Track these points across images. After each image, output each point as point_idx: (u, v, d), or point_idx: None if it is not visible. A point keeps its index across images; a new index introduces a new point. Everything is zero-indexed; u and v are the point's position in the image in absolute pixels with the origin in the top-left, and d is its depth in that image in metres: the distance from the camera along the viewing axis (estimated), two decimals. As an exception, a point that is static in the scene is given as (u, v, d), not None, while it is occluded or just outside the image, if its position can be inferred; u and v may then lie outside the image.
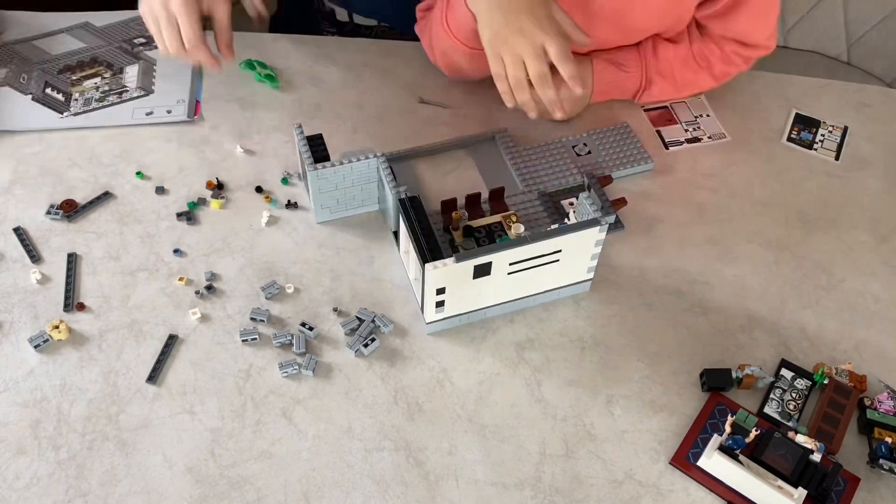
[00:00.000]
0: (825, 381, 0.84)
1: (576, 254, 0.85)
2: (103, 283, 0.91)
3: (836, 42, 1.55)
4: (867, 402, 0.83)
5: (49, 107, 1.08)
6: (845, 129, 1.11)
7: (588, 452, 0.80)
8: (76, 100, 1.09)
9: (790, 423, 0.82)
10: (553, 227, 0.83)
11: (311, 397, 0.83)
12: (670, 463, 0.80)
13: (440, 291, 0.82)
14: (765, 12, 1.05)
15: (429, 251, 0.82)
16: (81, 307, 0.88)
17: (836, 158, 1.08)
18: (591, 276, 0.89)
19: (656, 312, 0.91)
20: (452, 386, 0.84)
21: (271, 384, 0.84)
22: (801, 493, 0.73)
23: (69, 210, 0.96)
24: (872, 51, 1.52)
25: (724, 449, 0.76)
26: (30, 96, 1.08)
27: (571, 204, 0.98)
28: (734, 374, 0.84)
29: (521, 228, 0.92)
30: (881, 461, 0.79)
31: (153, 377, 0.83)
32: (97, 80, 1.12)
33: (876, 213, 1.03)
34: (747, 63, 1.11)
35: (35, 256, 0.92)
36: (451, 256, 0.79)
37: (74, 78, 1.12)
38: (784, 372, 0.86)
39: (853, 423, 0.83)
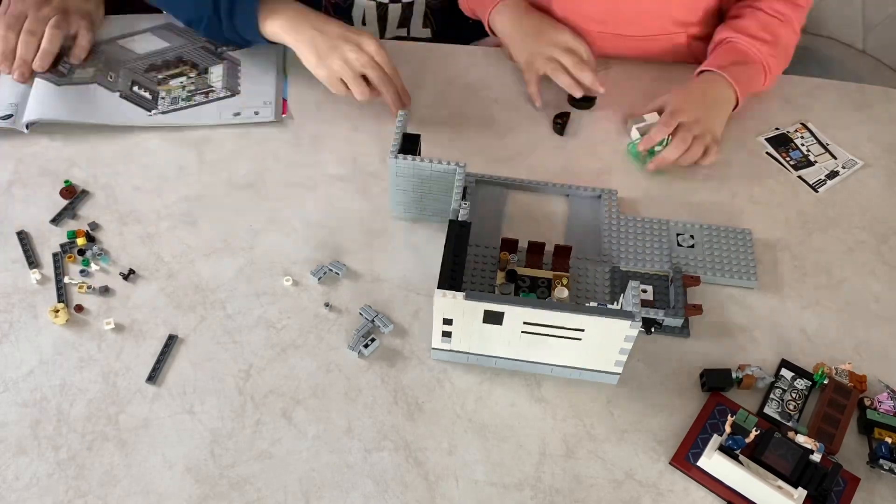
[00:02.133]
0: (825, 381, 0.84)
1: (602, 341, 0.78)
2: (103, 282, 0.91)
3: (852, 29, 1.54)
4: (867, 403, 0.83)
5: (137, 104, 1.08)
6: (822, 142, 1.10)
7: (588, 452, 0.80)
8: (163, 98, 1.09)
9: (790, 423, 0.82)
10: (592, 304, 0.78)
11: (311, 397, 0.83)
12: (670, 463, 0.80)
13: (447, 322, 0.80)
14: None
15: (451, 279, 0.79)
16: (80, 309, 0.88)
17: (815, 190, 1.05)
18: (619, 370, 0.82)
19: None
20: (452, 386, 0.84)
21: (271, 384, 0.84)
22: (801, 493, 0.73)
23: (70, 197, 0.98)
24: (887, 41, 1.51)
25: (724, 449, 0.76)
26: (118, 93, 1.09)
27: (644, 291, 0.91)
28: (734, 375, 0.84)
29: (565, 293, 0.88)
30: (881, 461, 0.79)
31: (153, 377, 0.83)
32: (183, 79, 1.12)
33: (876, 213, 1.03)
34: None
35: (34, 263, 0.92)
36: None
37: (160, 77, 1.12)
38: (784, 372, 0.86)
39: (853, 424, 0.83)
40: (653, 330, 0.89)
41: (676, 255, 0.95)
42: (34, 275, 0.90)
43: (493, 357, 0.84)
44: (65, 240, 0.94)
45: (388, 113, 1.06)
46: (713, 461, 0.76)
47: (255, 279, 0.92)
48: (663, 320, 0.88)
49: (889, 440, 0.80)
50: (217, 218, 0.98)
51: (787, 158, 1.07)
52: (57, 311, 0.86)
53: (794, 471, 0.75)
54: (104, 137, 1.05)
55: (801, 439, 0.77)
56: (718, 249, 0.96)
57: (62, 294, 0.89)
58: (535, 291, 0.89)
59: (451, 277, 0.80)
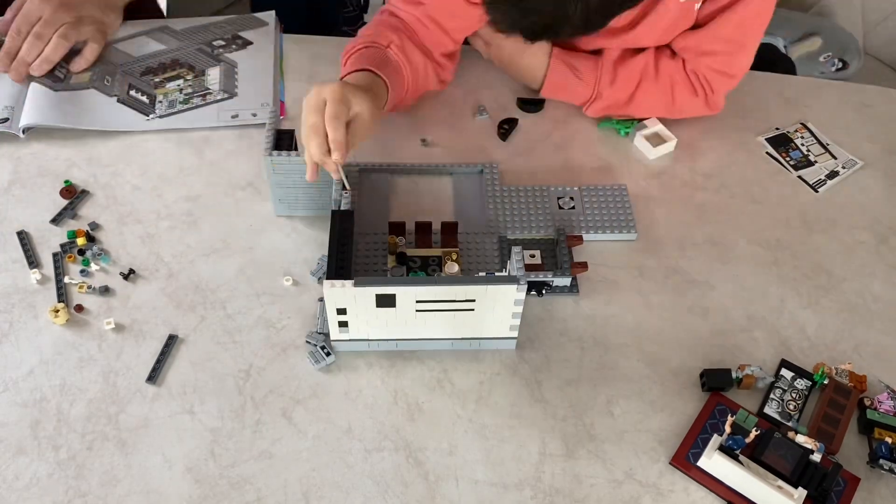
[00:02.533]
0: (825, 381, 0.84)
1: (494, 308, 0.80)
2: (103, 282, 0.91)
3: (853, 28, 1.54)
4: (867, 403, 0.83)
5: (134, 108, 1.08)
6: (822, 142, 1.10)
7: (588, 452, 0.80)
8: (160, 102, 1.08)
9: (790, 424, 0.82)
10: (480, 275, 0.79)
11: (311, 397, 0.83)
12: (670, 463, 0.80)
13: (341, 311, 0.79)
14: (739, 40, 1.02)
15: (338, 269, 0.79)
16: (80, 309, 0.88)
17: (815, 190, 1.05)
18: (514, 334, 0.84)
19: (656, 312, 0.91)
20: (452, 386, 0.84)
21: (271, 384, 0.84)
22: (801, 493, 0.73)
23: (70, 197, 0.98)
24: (887, 41, 1.51)
25: (724, 449, 0.76)
26: (115, 98, 1.08)
27: (532, 256, 0.93)
28: (734, 374, 0.84)
29: (455, 268, 0.89)
30: (881, 461, 0.79)
31: (153, 377, 0.83)
32: (180, 81, 1.11)
33: (876, 213, 1.03)
34: (708, 91, 1.06)
35: (34, 262, 0.92)
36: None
37: (157, 80, 1.11)
38: (784, 372, 0.86)
39: (853, 424, 0.83)
40: (544, 292, 0.91)
41: (560, 218, 0.98)
42: (34, 275, 0.90)
43: (393, 340, 0.84)
44: (65, 240, 0.94)
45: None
46: (713, 461, 0.76)
47: (255, 279, 0.92)
48: (552, 281, 0.90)
49: (889, 440, 0.80)
50: (217, 218, 0.98)
51: (787, 158, 1.07)
52: (57, 310, 0.86)
53: (794, 471, 0.75)
54: (104, 138, 1.05)
55: (801, 439, 0.77)
56: (598, 207, 0.99)
57: (62, 294, 0.89)
58: (425, 270, 0.90)
59: (340, 267, 0.80)
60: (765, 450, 0.77)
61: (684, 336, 0.89)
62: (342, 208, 0.85)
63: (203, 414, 0.81)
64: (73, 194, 0.98)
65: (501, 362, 0.86)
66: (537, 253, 0.94)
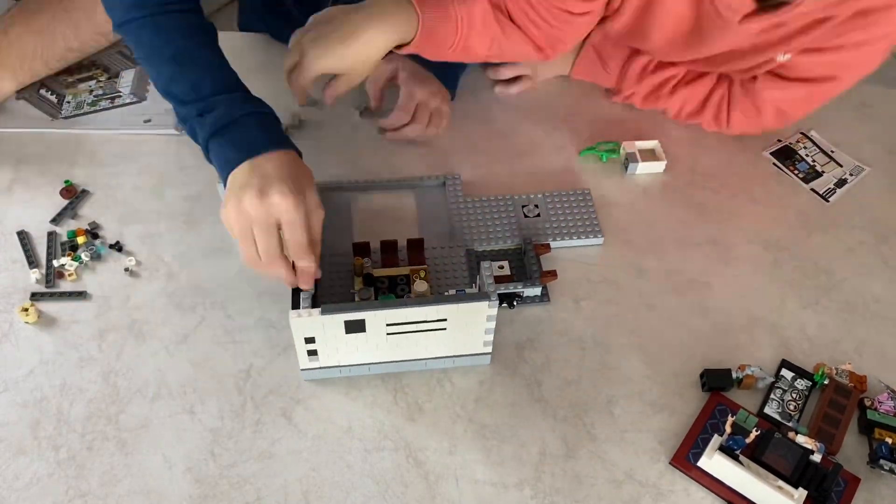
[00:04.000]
0: (825, 382, 0.84)
1: (467, 325, 0.79)
2: (103, 282, 0.91)
3: None
4: (867, 403, 0.83)
5: (41, 109, 1.07)
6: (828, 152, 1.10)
7: (588, 452, 0.80)
8: (68, 102, 1.08)
9: (790, 424, 0.82)
10: (450, 293, 0.77)
11: (311, 397, 0.83)
12: (670, 463, 0.80)
13: (309, 341, 0.78)
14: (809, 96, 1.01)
15: (306, 297, 0.77)
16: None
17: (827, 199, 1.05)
18: (488, 349, 0.83)
19: (656, 312, 0.91)
20: (452, 386, 0.84)
21: (271, 384, 0.83)
22: (802, 493, 0.73)
23: (70, 197, 0.98)
24: None
25: (725, 449, 0.76)
26: (23, 99, 1.08)
27: (501, 267, 0.93)
28: (734, 375, 0.84)
29: (424, 286, 0.85)
30: (881, 461, 0.79)
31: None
32: (92, 83, 1.11)
33: (876, 213, 1.03)
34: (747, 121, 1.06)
35: (34, 262, 0.92)
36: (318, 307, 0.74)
37: (70, 80, 1.11)
38: (784, 372, 0.86)
39: (853, 424, 0.83)
40: (515, 303, 0.90)
41: (525, 227, 0.97)
42: (34, 274, 0.90)
43: (365, 364, 0.83)
44: (65, 239, 0.94)
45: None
46: (713, 461, 0.76)
47: (255, 279, 0.91)
48: (523, 292, 0.89)
49: (889, 440, 0.80)
50: (217, 218, 0.97)
51: (796, 171, 1.07)
52: (26, 309, 0.85)
53: (795, 471, 0.75)
54: (104, 138, 1.05)
55: (802, 439, 0.77)
56: (563, 213, 0.99)
57: (50, 279, 0.90)
58: (394, 290, 0.88)
59: (310, 296, 0.77)
60: (765, 450, 0.77)
61: (684, 336, 0.89)
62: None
63: (203, 414, 0.81)
64: (74, 194, 0.98)
65: (501, 362, 0.86)
66: (506, 264, 0.93)
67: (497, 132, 1.11)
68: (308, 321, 0.75)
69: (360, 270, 0.89)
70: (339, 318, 0.76)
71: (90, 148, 1.04)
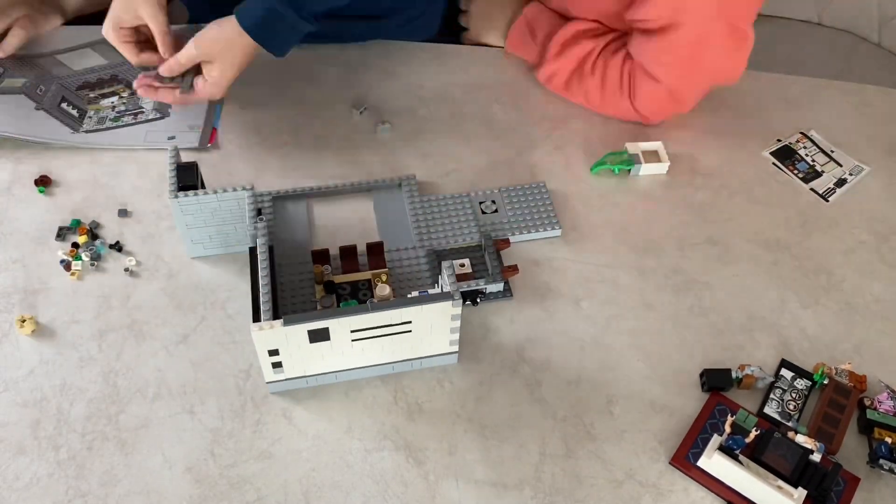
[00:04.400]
0: (825, 381, 0.84)
1: (432, 326, 0.79)
2: (103, 282, 0.91)
3: (868, 22, 1.54)
4: (867, 402, 0.83)
5: (61, 122, 1.06)
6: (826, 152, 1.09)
7: (588, 452, 0.80)
8: (90, 117, 1.07)
9: (790, 423, 0.82)
10: (413, 294, 0.77)
11: (311, 397, 0.83)
12: (670, 463, 0.80)
13: (273, 353, 0.77)
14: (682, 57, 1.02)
15: (267, 310, 0.75)
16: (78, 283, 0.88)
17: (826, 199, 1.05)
18: (454, 348, 0.83)
19: (656, 312, 0.91)
20: (452, 386, 0.84)
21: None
22: (801, 493, 0.73)
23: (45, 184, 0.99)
24: None
25: (724, 449, 0.76)
26: (41, 111, 1.06)
27: (462, 265, 0.92)
28: (734, 374, 0.84)
29: (387, 290, 0.85)
30: (881, 461, 0.79)
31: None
32: (114, 99, 1.10)
33: (876, 213, 1.03)
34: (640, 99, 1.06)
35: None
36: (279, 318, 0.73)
37: (92, 95, 1.10)
38: (784, 372, 0.86)
39: (853, 424, 0.83)
40: (478, 300, 0.90)
41: (483, 223, 0.97)
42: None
43: (332, 373, 0.82)
44: (68, 226, 0.95)
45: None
46: (713, 461, 0.76)
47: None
48: (485, 288, 0.89)
49: (889, 440, 0.80)
50: (217, 218, 0.98)
51: (795, 171, 1.07)
52: (24, 320, 0.85)
53: (795, 471, 0.75)
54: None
55: (801, 439, 0.77)
56: (520, 207, 0.99)
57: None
58: (356, 296, 0.88)
59: (273, 306, 0.77)
60: (765, 450, 0.77)
61: (684, 336, 0.89)
62: (259, 244, 0.80)
63: (203, 414, 0.81)
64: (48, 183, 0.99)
65: (501, 362, 0.86)
66: (466, 261, 0.93)
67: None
68: (270, 333, 0.74)
69: (321, 278, 0.89)
70: (302, 328, 0.75)
71: (90, 147, 1.04)
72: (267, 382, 0.81)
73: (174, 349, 0.86)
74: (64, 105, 1.08)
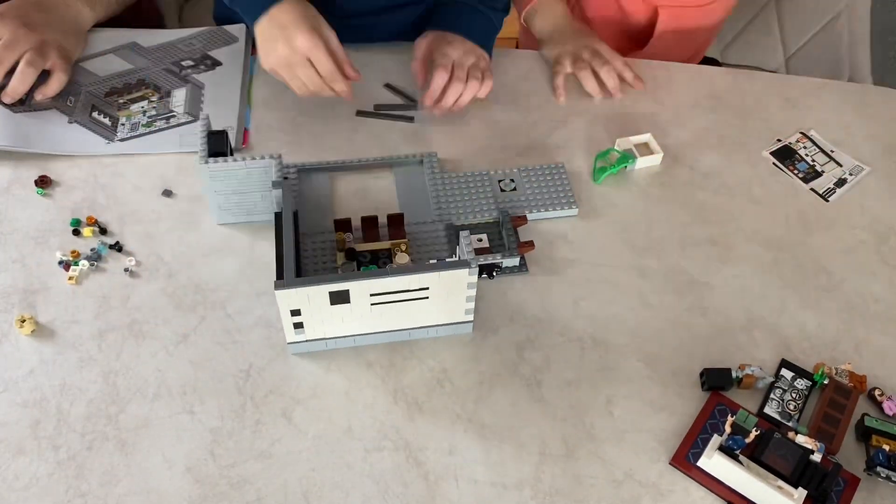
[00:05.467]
0: (825, 381, 0.84)
1: (449, 293, 0.81)
2: (103, 282, 0.91)
3: (773, 55, 1.55)
4: (878, 394, 0.83)
5: (95, 132, 1.04)
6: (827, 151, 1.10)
7: (588, 452, 0.80)
8: (123, 125, 1.06)
9: (790, 423, 0.82)
10: (431, 262, 0.79)
11: (311, 397, 0.83)
12: (670, 463, 0.80)
13: (295, 313, 0.79)
14: None
15: (292, 270, 0.79)
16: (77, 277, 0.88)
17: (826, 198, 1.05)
18: (469, 318, 0.85)
19: (656, 312, 0.91)
20: (452, 386, 0.84)
21: (271, 384, 0.84)
22: (801, 493, 0.73)
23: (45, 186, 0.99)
24: (811, 62, 1.51)
25: (724, 449, 0.76)
26: (75, 123, 1.05)
27: (480, 240, 0.95)
28: (734, 374, 0.84)
29: (406, 258, 0.89)
30: (878, 468, 0.78)
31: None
32: (144, 103, 1.08)
33: (876, 213, 1.03)
34: None
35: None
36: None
37: (121, 101, 1.08)
38: (784, 372, 0.86)
39: (851, 430, 0.83)
40: (494, 274, 0.92)
41: (502, 201, 0.99)
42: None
43: (351, 336, 0.84)
44: (65, 238, 0.94)
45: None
46: (713, 461, 0.76)
47: (255, 279, 0.92)
48: (502, 262, 0.92)
49: (887, 447, 0.80)
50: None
51: (795, 171, 1.07)
52: (23, 320, 0.85)
53: (794, 471, 0.75)
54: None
55: (801, 439, 0.77)
56: (538, 186, 1.01)
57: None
58: (376, 264, 0.91)
59: (296, 267, 0.80)
60: (765, 450, 0.77)
61: (684, 336, 0.89)
62: (283, 209, 0.83)
63: (203, 414, 0.81)
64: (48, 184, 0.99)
65: (501, 362, 0.86)
66: (484, 237, 0.95)
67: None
68: (293, 293, 0.76)
69: (343, 245, 0.91)
70: (324, 289, 0.77)
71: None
72: (288, 343, 0.84)
73: (174, 349, 0.86)
74: (96, 114, 1.06)
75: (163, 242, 0.95)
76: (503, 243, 0.95)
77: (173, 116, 1.08)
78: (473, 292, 0.81)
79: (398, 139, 1.08)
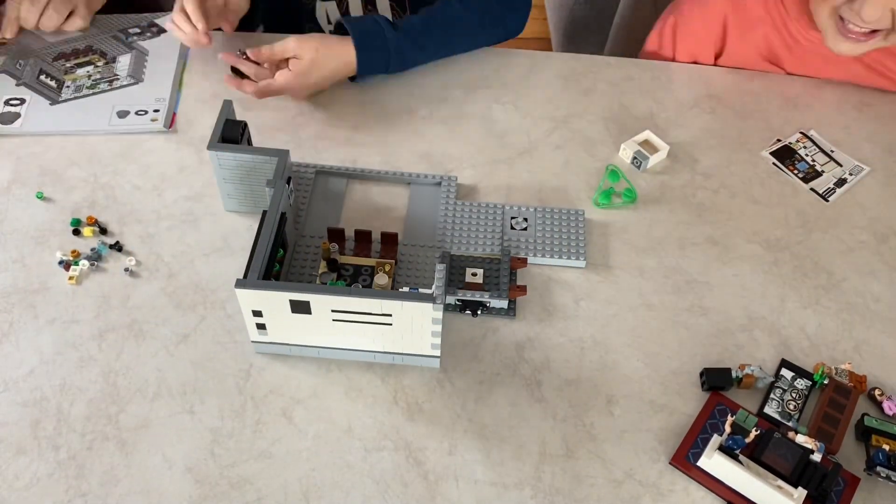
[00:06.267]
0: (825, 381, 0.84)
1: (413, 324, 0.78)
2: (103, 282, 0.91)
3: None
4: (877, 394, 0.83)
5: (41, 94, 1.09)
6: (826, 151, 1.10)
7: (588, 452, 0.80)
8: (67, 87, 1.10)
9: (790, 423, 0.82)
10: (404, 289, 0.78)
11: (311, 397, 0.83)
12: (670, 463, 0.80)
13: (257, 314, 0.79)
14: None
15: (259, 271, 0.78)
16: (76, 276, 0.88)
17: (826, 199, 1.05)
18: (436, 353, 0.82)
19: (656, 312, 0.91)
20: (452, 386, 0.84)
21: (271, 384, 0.84)
22: (801, 493, 0.73)
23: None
24: None
25: (724, 449, 0.76)
26: (22, 86, 1.10)
27: (475, 275, 0.91)
28: (734, 374, 0.84)
29: (385, 280, 0.87)
30: (878, 468, 0.78)
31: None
32: (90, 68, 1.13)
33: (876, 213, 1.03)
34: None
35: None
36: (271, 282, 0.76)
37: (69, 65, 1.13)
38: (784, 372, 0.86)
39: (851, 430, 0.83)
40: (479, 312, 0.89)
41: (508, 238, 0.95)
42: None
43: (314, 347, 0.84)
44: (65, 238, 0.94)
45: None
46: (713, 461, 0.76)
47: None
48: (489, 302, 0.89)
49: (887, 447, 0.80)
50: (217, 217, 0.98)
51: (795, 171, 1.07)
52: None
53: (794, 471, 0.75)
54: (104, 137, 1.05)
55: (801, 439, 0.77)
56: (550, 231, 0.96)
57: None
58: (357, 279, 0.89)
59: (266, 269, 0.79)
60: (765, 450, 0.77)
61: (684, 336, 0.89)
62: (276, 208, 0.83)
63: (203, 414, 0.81)
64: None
65: (502, 362, 0.86)
66: (479, 272, 0.91)
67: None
68: (253, 294, 0.76)
69: (327, 255, 0.91)
70: (285, 297, 0.76)
71: (90, 148, 1.04)
72: (252, 342, 0.84)
73: (174, 349, 0.86)
74: (43, 77, 1.11)
75: (163, 242, 0.95)
76: (497, 282, 0.91)
77: (116, 79, 1.11)
78: (439, 328, 0.78)
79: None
